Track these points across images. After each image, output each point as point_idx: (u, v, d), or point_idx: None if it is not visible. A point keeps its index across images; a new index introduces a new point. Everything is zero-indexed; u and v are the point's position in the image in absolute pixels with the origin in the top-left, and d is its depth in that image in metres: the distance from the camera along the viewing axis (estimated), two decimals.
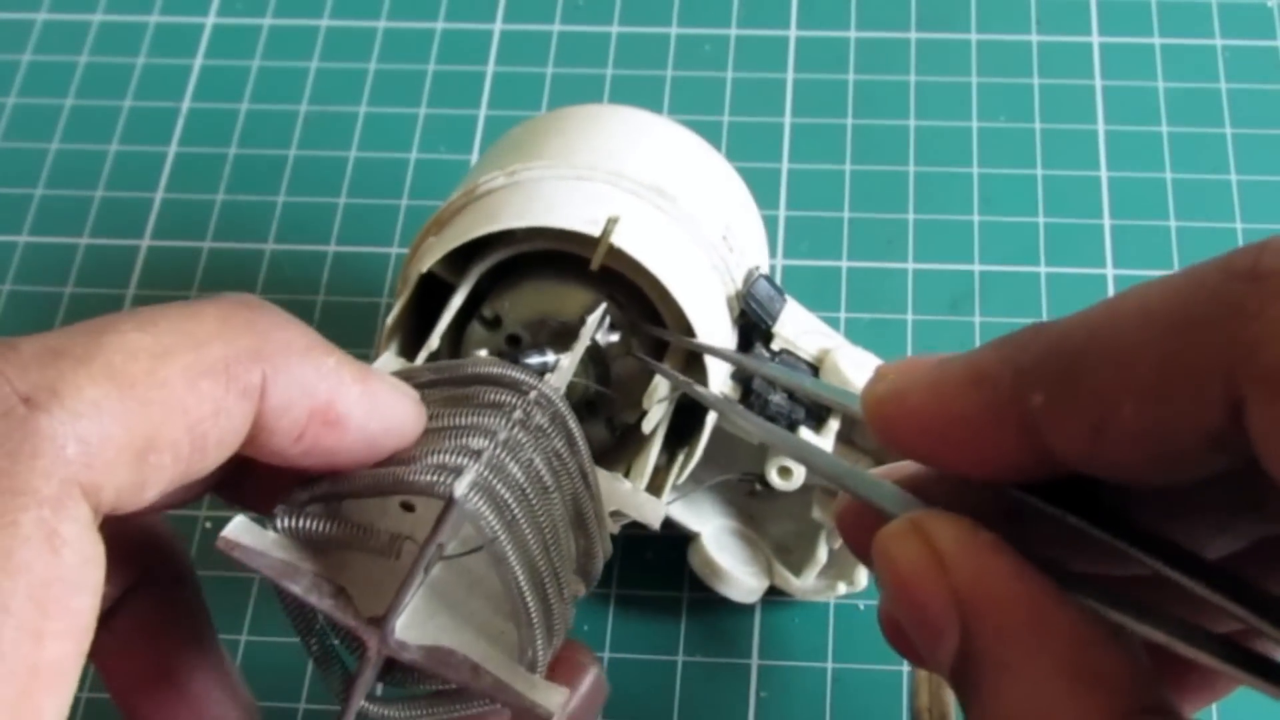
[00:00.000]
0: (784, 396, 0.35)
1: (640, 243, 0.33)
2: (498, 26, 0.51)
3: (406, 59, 0.51)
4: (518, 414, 0.28)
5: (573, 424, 0.29)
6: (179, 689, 0.30)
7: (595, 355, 0.34)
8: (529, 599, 0.27)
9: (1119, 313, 0.23)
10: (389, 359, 0.34)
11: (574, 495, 0.29)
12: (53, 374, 0.23)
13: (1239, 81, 0.48)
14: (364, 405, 0.26)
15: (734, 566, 0.38)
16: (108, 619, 0.25)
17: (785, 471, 0.35)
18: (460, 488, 0.25)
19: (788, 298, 0.36)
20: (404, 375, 0.29)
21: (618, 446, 0.36)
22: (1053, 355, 0.23)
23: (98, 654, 0.28)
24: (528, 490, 0.27)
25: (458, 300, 0.34)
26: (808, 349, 0.35)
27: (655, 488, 0.34)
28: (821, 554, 0.37)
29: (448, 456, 0.26)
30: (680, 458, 0.35)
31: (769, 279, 0.36)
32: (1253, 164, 0.46)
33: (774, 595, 0.39)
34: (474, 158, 0.48)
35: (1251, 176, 0.46)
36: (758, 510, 0.39)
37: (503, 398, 0.28)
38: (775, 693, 0.38)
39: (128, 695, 0.30)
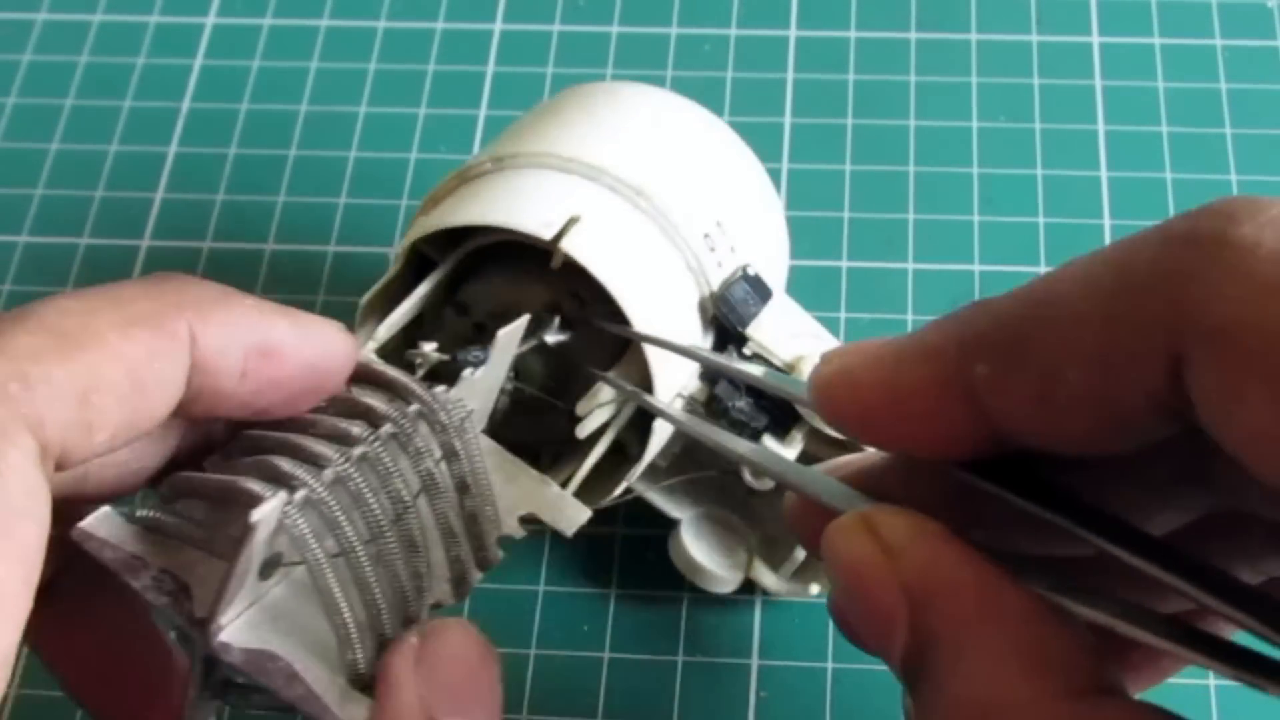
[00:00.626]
0: (749, 402, 0.35)
1: (591, 245, 0.33)
2: (498, 26, 0.51)
3: (406, 59, 0.51)
4: (386, 428, 0.29)
5: (458, 438, 0.30)
6: (123, 667, 0.31)
7: (557, 349, 0.35)
8: (346, 614, 0.27)
9: (1060, 282, 0.23)
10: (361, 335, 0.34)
11: (446, 508, 0.30)
12: None
13: (1239, 81, 0.48)
14: (295, 333, 0.28)
15: (708, 557, 0.38)
16: (48, 594, 0.26)
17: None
18: (257, 513, 0.26)
19: (784, 297, 0.36)
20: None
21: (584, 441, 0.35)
22: (995, 326, 0.24)
23: (39, 634, 0.29)
24: (372, 505, 0.28)
25: (424, 286, 0.35)
26: (781, 354, 0.35)
27: (599, 492, 0.35)
28: (799, 554, 0.38)
29: (289, 466, 0.27)
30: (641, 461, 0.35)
31: (750, 280, 0.35)
32: (1253, 164, 0.46)
33: (759, 592, 0.39)
34: None
35: (1251, 176, 0.46)
36: (753, 503, 0.39)
37: (384, 407, 0.29)
38: (775, 693, 0.38)
39: (72, 674, 0.31)
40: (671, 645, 0.39)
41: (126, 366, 0.25)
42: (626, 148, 0.36)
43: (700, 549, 0.38)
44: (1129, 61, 0.49)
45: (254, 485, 0.27)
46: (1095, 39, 0.49)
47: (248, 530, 0.26)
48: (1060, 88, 0.48)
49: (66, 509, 0.26)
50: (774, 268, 0.38)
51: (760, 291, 0.36)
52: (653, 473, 0.38)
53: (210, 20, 0.52)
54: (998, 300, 0.24)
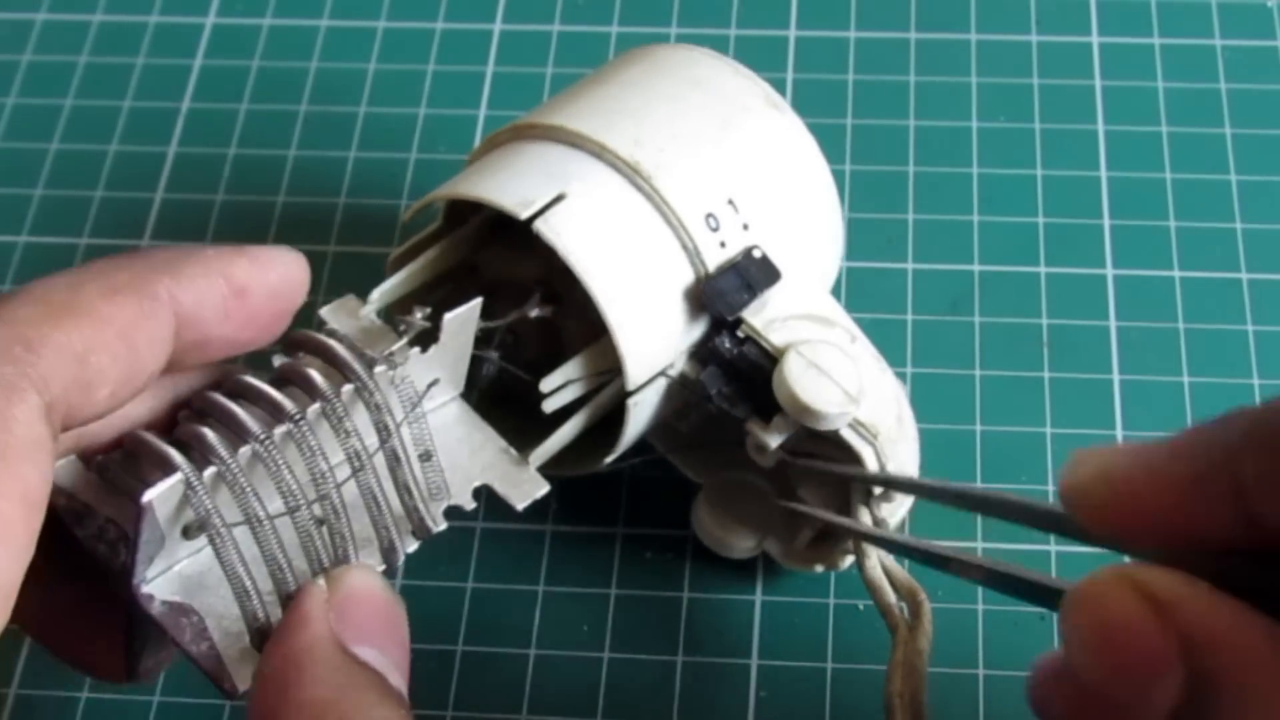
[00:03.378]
0: (733, 389, 0.35)
1: (565, 225, 0.34)
2: (497, 26, 0.51)
3: (406, 59, 0.51)
4: (315, 406, 0.31)
5: (391, 416, 0.32)
6: (85, 613, 0.32)
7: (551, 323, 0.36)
8: (244, 579, 0.29)
9: None
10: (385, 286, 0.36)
11: (372, 482, 0.31)
12: None
13: (1239, 81, 0.48)
14: (254, 268, 0.31)
15: (723, 524, 0.38)
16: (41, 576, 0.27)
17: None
18: (150, 493, 0.28)
19: (799, 278, 0.36)
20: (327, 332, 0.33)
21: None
22: (1262, 424, 0.24)
23: (36, 622, 0.31)
24: (288, 480, 0.30)
25: (432, 251, 0.36)
26: (773, 339, 0.35)
27: (592, 461, 0.36)
28: (810, 530, 0.38)
29: (213, 439, 0.30)
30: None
31: (750, 264, 0.35)
32: (1253, 164, 0.46)
33: (772, 595, 0.39)
34: None
35: (1251, 176, 0.46)
36: (772, 473, 0.38)
37: (322, 383, 0.31)
38: (775, 693, 0.38)
39: (33, 622, 0.32)
40: (671, 645, 0.39)
41: (117, 329, 0.28)
42: (639, 123, 0.36)
43: (716, 515, 0.38)
44: (1129, 61, 0.49)
45: (173, 454, 0.29)
46: (1095, 39, 0.49)
47: (141, 508, 0.28)
48: (1060, 88, 0.48)
49: None
50: (802, 249, 0.38)
51: (763, 275, 0.35)
52: (674, 436, 0.38)
53: (210, 20, 0.52)
54: (1266, 404, 0.25)
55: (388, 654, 0.29)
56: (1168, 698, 0.24)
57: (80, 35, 0.52)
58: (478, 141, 0.48)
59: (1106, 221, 0.45)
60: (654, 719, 0.38)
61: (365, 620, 0.29)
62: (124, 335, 0.28)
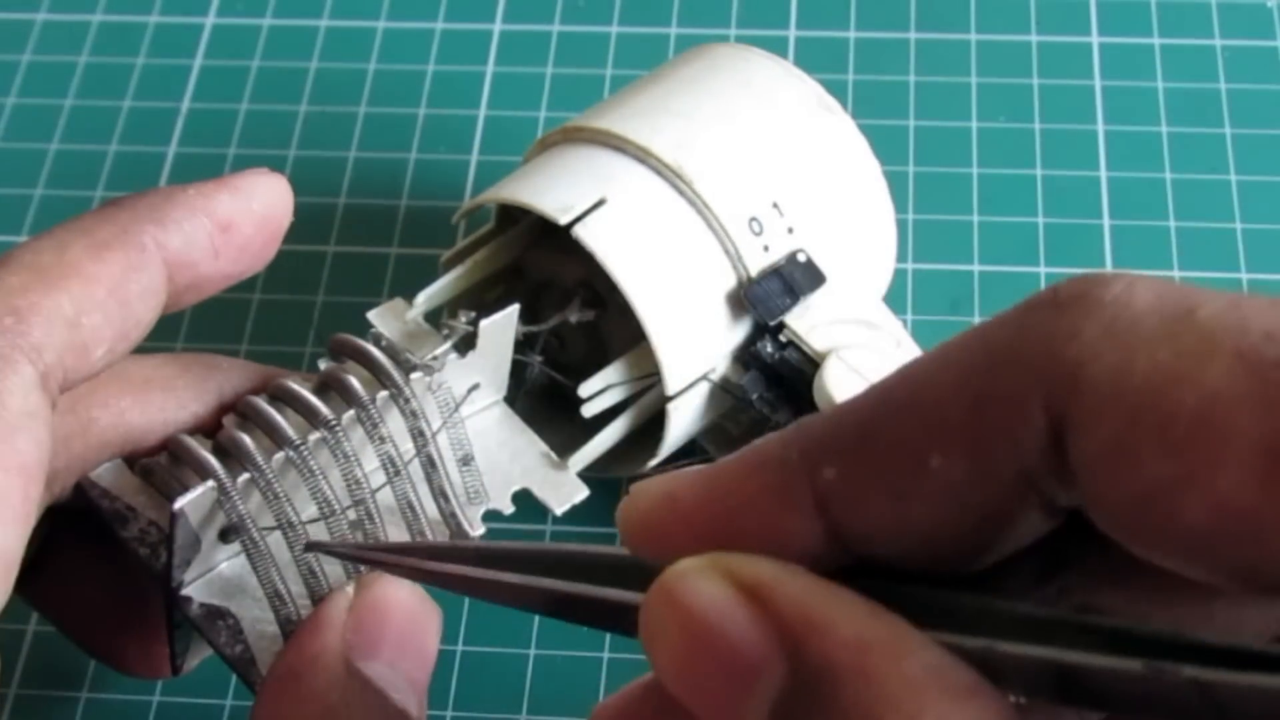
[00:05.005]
0: (774, 394, 0.35)
1: (605, 231, 0.34)
2: (497, 26, 0.51)
3: (406, 59, 0.51)
4: (350, 413, 0.31)
5: (426, 421, 0.32)
6: (119, 610, 0.33)
7: (584, 326, 0.36)
8: (277, 581, 0.30)
9: (914, 371, 0.21)
10: (437, 286, 0.36)
11: (407, 487, 0.32)
12: None
13: (1239, 81, 0.48)
14: (239, 199, 0.31)
15: None
16: (48, 558, 0.27)
17: None
18: (181, 501, 0.28)
19: (844, 281, 0.36)
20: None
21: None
22: (843, 424, 0.22)
23: (36, 591, 0.31)
24: (321, 486, 0.30)
25: (481, 253, 0.37)
26: (815, 344, 0.35)
27: (636, 463, 0.36)
28: None
29: (241, 436, 0.30)
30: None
31: (794, 269, 0.35)
32: (1253, 164, 0.46)
33: None
34: (474, 157, 0.48)
35: (1251, 177, 0.46)
36: None
37: (359, 390, 0.31)
38: None
39: (69, 620, 0.33)
40: None
41: (107, 287, 0.28)
42: (684, 125, 0.36)
43: None
44: (1129, 61, 0.49)
45: (209, 459, 0.29)
46: (1095, 39, 0.49)
47: (174, 514, 0.28)
48: (1060, 88, 0.48)
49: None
50: (850, 253, 0.37)
51: (807, 279, 0.35)
52: (726, 441, 0.38)
53: (210, 20, 0.52)
54: (843, 404, 0.22)
55: (400, 667, 0.29)
56: (766, 700, 0.20)
57: (80, 35, 0.52)
58: (478, 141, 0.48)
59: (1106, 221, 0.45)
60: None
61: (381, 632, 0.29)
62: (115, 292, 0.28)
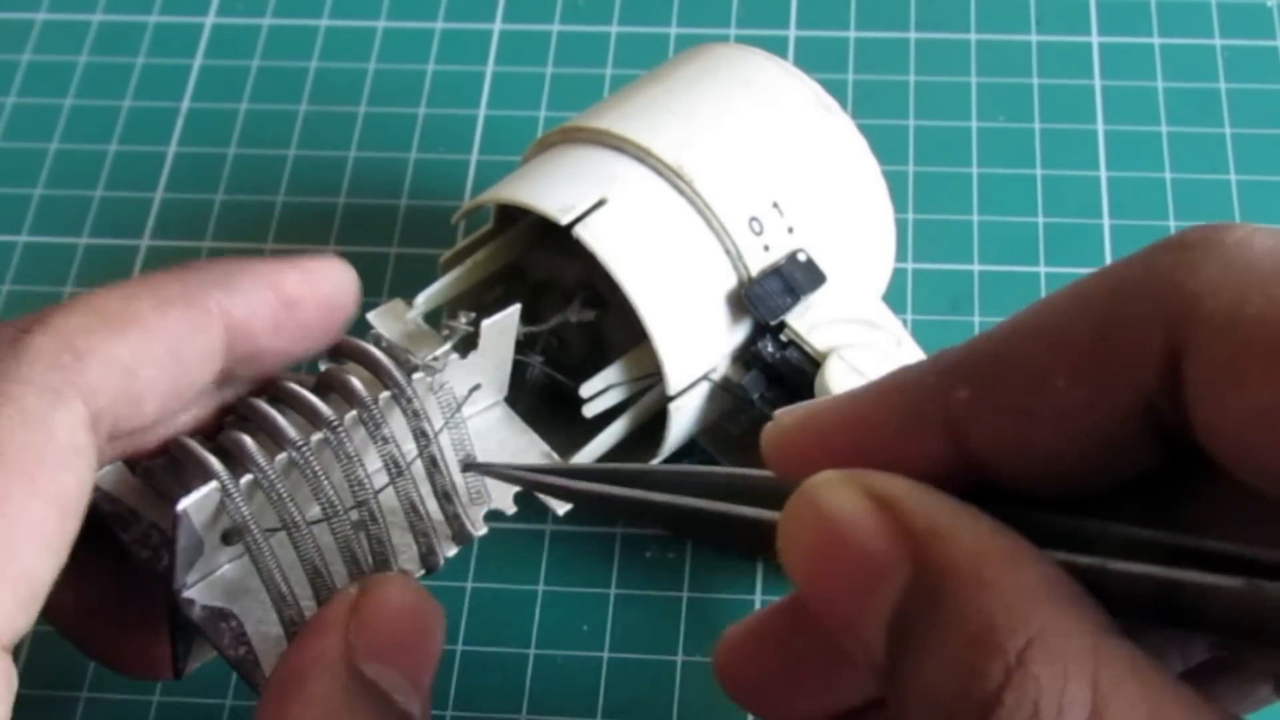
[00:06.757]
0: (775, 394, 0.35)
1: (606, 231, 0.34)
2: (497, 26, 0.51)
3: (406, 59, 0.51)
4: (352, 413, 0.31)
5: (429, 421, 0.32)
6: (118, 611, 0.33)
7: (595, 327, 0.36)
8: (280, 584, 0.30)
9: (1045, 304, 0.23)
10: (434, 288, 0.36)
11: (410, 488, 0.32)
12: (44, 315, 0.27)
13: (1239, 81, 0.48)
14: (307, 280, 0.31)
15: None
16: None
17: None
18: (184, 502, 0.28)
19: (845, 280, 0.36)
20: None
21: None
22: (978, 350, 0.24)
23: (47, 600, 0.31)
24: (324, 486, 0.30)
25: (481, 254, 0.37)
26: (815, 343, 0.35)
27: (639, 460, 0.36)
28: None
29: (251, 447, 0.30)
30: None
31: (794, 268, 0.35)
32: (1253, 164, 0.46)
33: (772, 594, 0.39)
34: (474, 157, 0.48)
35: (1251, 176, 0.46)
36: None
37: (361, 390, 0.31)
38: None
39: (64, 620, 0.33)
40: (671, 645, 0.39)
41: (167, 343, 0.28)
42: (685, 125, 0.36)
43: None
44: (1129, 61, 0.49)
45: (211, 461, 0.29)
46: (1095, 39, 0.49)
47: (176, 518, 0.28)
48: (1060, 88, 0.48)
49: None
50: (850, 252, 0.38)
51: (807, 278, 0.35)
52: (725, 440, 0.38)
53: (210, 20, 0.52)
54: (980, 334, 0.24)
55: (404, 669, 0.28)
56: (889, 601, 0.22)
57: (80, 35, 0.52)
58: (477, 141, 0.48)
59: (1106, 221, 0.45)
60: (654, 719, 0.38)
61: (384, 633, 0.29)
62: (173, 348, 0.28)
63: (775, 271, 0.35)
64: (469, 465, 0.32)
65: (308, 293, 0.31)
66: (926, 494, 0.23)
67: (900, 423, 0.24)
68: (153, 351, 0.28)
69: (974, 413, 0.23)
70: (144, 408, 0.28)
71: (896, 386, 0.24)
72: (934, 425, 0.24)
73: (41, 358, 0.26)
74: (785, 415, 0.26)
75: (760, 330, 0.36)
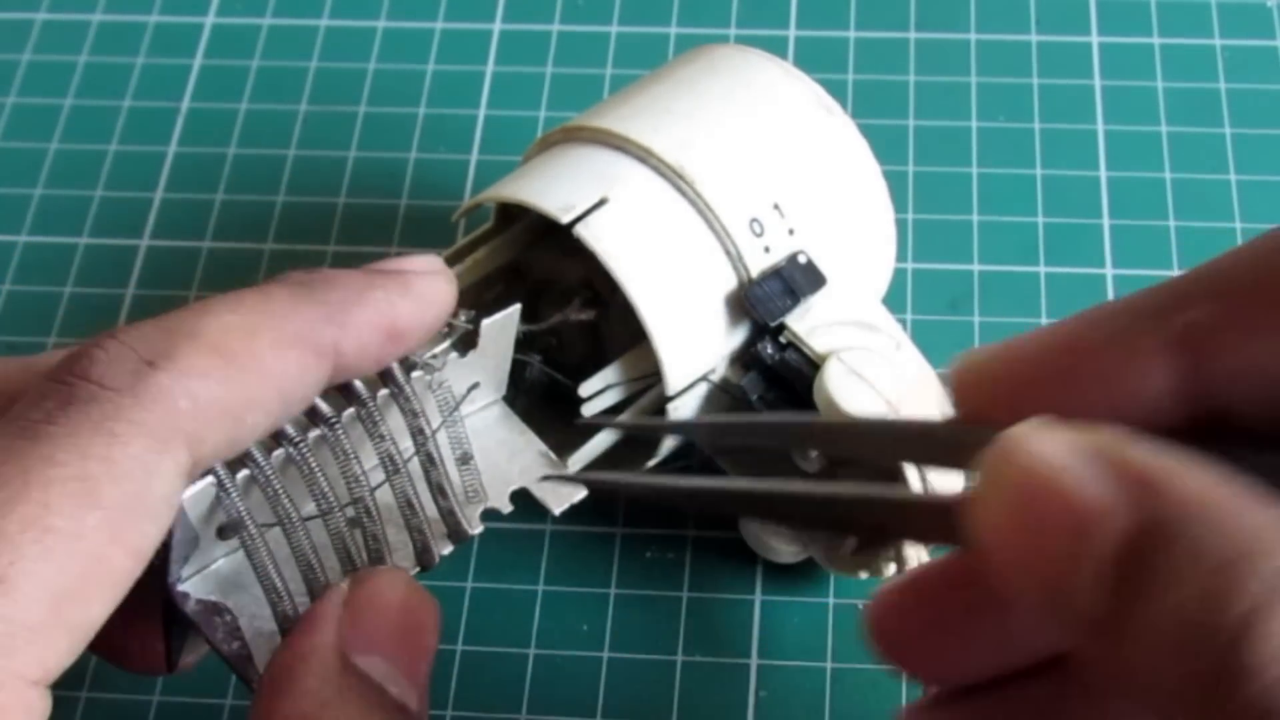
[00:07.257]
0: (774, 396, 0.35)
1: (606, 231, 0.34)
2: (497, 26, 0.51)
3: (406, 59, 0.51)
4: (349, 411, 0.31)
5: (426, 419, 0.32)
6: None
7: (583, 326, 0.36)
8: (274, 578, 0.30)
9: None
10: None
11: (406, 485, 0.32)
12: (168, 345, 0.26)
13: (1239, 81, 0.48)
14: (416, 311, 0.30)
15: (772, 529, 0.38)
16: None
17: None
18: (187, 492, 0.28)
19: (845, 282, 0.36)
20: None
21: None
22: (1220, 268, 0.21)
23: None
24: (320, 483, 0.30)
25: (480, 252, 0.36)
26: (816, 346, 0.35)
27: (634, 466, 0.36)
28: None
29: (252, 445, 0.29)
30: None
31: (794, 270, 0.35)
32: (1253, 164, 0.46)
33: (772, 595, 0.39)
34: (474, 157, 0.48)
35: (1251, 176, 0.46)
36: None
37: (361, 388, 0.31)
38: (775, 692, 0.38)
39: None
40: (671, 645, 0.39)
41: (279, 386, 0.28)
42: (686, 126, 0.36)
43: (769, 526, 0.38)
44: (1128, 61, 0.49)
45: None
46: (1095, 39, 0.49)
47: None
48: (1060, 88, 0.48)
49: None
50: (850, 254, 0.38)
51: (808, 280, 0.35)
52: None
53: (210, 20, 0.52)
54: (1212, 259, 0.22)
55: (397, 662, 0.28)
56: (1105, 551, 0.20)
57: (80, 35, 0.52)
58: (477, 141, 0.48)
59: (1106, 221, 0.45)
60: (654, 719, 0.38)
61: (378, 626, 0.29)
62: (283, 392, 0.28)
63: (776, 273, 0.35)
64: (547, 477, 0.33)
65: (415, 324, 0.30)
66: (1144, 440, 0.21)
67: (1120, 350, 0.22)
68: (263, 399, 0.27)
69: (1218, 334, 0.21)
70: (237, 449, 0.28)
71: (1111, 311, 0.22)
72: (1160, 352, 0.21)
73: (161, 400, 0.26)
74: (978, 351, 0.23)
75: (760, 332, 0.36)
